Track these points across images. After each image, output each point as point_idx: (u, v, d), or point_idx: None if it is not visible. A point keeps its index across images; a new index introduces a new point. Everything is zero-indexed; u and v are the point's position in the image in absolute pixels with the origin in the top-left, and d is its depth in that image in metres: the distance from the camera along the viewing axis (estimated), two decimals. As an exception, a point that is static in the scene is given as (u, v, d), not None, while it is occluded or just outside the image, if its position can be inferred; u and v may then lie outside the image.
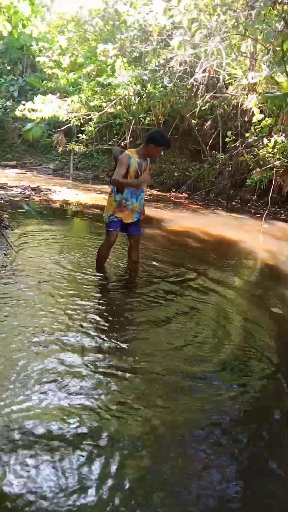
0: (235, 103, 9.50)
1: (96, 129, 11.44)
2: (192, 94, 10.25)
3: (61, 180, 11.73)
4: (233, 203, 9.67)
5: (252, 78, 8.80)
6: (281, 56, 8.11)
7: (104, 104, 10.90)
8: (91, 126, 11.23)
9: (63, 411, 1.89)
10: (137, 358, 2.42)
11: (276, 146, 8.13)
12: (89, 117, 11.29)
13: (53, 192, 8.80)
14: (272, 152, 8.19)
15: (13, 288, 3.22)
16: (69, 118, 11.07)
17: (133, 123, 11.54)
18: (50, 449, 1.67)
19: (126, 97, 10.45)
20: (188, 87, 9.93)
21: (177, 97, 9.98)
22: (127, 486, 1.54)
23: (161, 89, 9.73)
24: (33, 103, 10.72)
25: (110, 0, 9.48)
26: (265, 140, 8.38)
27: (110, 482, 1.55)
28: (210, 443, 1.82)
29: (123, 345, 2.55)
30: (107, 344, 2.54)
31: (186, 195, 10.43)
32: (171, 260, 4.55)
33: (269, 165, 8.25)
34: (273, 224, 7.61)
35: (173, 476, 1.61)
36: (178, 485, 1.58)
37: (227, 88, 9.74)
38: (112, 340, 2.59)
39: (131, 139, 11.93)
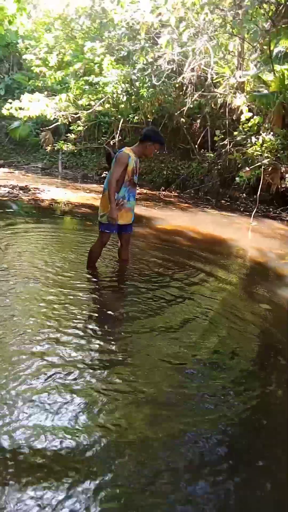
0: (223, 102, 9.55)
1: (84, 128, 11.39)
2: (181, 93, 10.27)
3: (50, 179, 11.64)
4: (222, 201, 9.72)
5: (240, 77, 8.85)
6: (268, 55, 8.19)
7: (92, 103, 10.85)
8: (79, 125, 11.17)
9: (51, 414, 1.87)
10: (128, 353, 2.41)
11: (264, 145, 8.19)
12: (77, 115, 11.22)
13: (42, 191, 8.72)
14: (260, 151, 8.25)
15: None
16: (57, 116, 10.99)
17: (121, 121, 11.52)
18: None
19: (114, 96, 10.42)
20: (177, 85, 9.94)
21: (166, 96, 9.99)
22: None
23: (150, 88, 9.72)
24: (20, 101, 10.62)
25: (97, -2, 9.45)
26: (253, 139, 8.44)
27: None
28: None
29: (114, 342, 2.54)
30: (96, 341, 2.53)
31: (176, 194, 10.45)
32: (161, 258, 4.54)
33: (257, 164, 8.32)
34: (262, 221, 7.66)
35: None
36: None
37: (215, 87, 9.78)
38: (102, 338, 2.57)
39: (119, 137, 11.90)
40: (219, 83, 9.76)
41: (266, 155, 8.23)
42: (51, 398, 1.95)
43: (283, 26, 7.84)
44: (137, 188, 3.78)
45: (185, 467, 1.66)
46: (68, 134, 11.51)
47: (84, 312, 2.95)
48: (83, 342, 2.52)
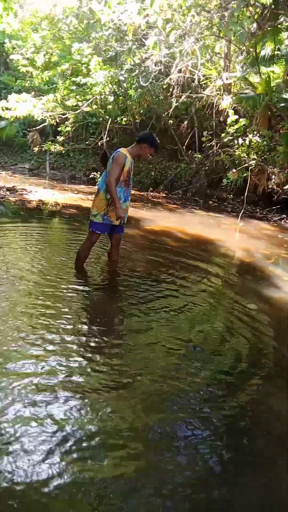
0: (211, 103, 9.61)
1: (72, 129, 11.34)
2: (168, 94, 10.31)
3: (37, 179, 11.56)
4: (210, 202, 9.78)
5: (227, 79, 8.93)
6: (255, 58, 8.27)
7: (79, 104, 10.81)
8: (67, 126, 11.12)
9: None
10: (122, 351, 2.42)
11: (251, 146, 8.28)
12: (65, 116, 11.18)
13: (29, 192, 8.66)
14: (247, 152, 8.33)
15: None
16: (44, 117, 10.93)
17: (109, 122, 11.50)
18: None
19: (102, 97, 10.41)
20: (164, 87, 9.98)
21: (153, 97, 10.01)
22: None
23: (138, 88, 9.73)
24: (7, 101, 10.52)
25: (84, -2, 9.41)
26: (240, 140, 8.52)
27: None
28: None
29: (107, 339, 2.54)
30: (85, 339, 2.52)
31: (164, 195, 10.48)
32: (149, 259, 4.56)
33: (244, 165, 8.39)
34: (249, 222, 7.74)
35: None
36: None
37: (202, 88, 9.84)
38: (93, 336, 2.57)
39: (107, 138, 11.89)
40: (206, 84, 9.83)
41: (252, 156, 8.31)
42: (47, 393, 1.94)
43: (268, 28, 7.94)
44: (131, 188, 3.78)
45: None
46: (56, 136, 11.45)
47: (72, 311, 2.94)
48: (69, 344, 2.51)
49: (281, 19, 7.71)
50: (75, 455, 1.66)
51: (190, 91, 9.74)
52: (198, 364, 2.47)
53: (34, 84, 12.41)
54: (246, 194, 8.39)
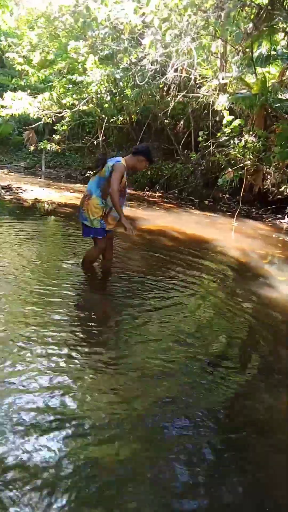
0: (207, 103, 9.63)
1: (68, 128, 11.31)
2: (164, 93, 10.32)
3: (33, 178, 11.51)
4: (206, 201, 9.80)
5: (223, 79, 8.95)
6: (250, 58, 8.30)
7: (76, 102, 10.78)
8: (63, 125, 11.08)
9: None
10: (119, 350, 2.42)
11: (247, 146, 8.30)
12: (61, 115, 11.14)
13: (25, 190, 8.63)
14: (243, 152, 8.36)
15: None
16: (40, 115, 10.88)
17: (105, 121, 11.48)
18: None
19: (98, 95, 10.38)
20: (160, 86, 9.98)
21: (150, 96, 10.00)
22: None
23: (134, 88, 9.72)
24: (3, 99, 10.47)
25: (81, -4, 9.37)
26: (236, 140, 8.54)
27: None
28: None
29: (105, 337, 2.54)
30: (86, 338, 2.53)
31: (160, 194, 10.48)
32: (145, 258, 4.56)
33: (240, 165, 8.42)
34: (245, 222, 7.77)
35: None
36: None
37: (199, 88, 9.86)
38: (90, 334, 2.58)
39: (103, 137, 11.87)
40: (202, 84, 9.84)
41: (248, 156, 8.34)
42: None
43: (264, 29, 7.96)
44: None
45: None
46: (52, 134, 11.40)
47: (70, 311, 2.94)
48: (66, 340, 2.51)
49: (277, 20, 7.74)
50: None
51: (186, 90, 9.75)
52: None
53: (30, 83, 12.35)
54: (241, 194, 8.42)
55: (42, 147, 11.43)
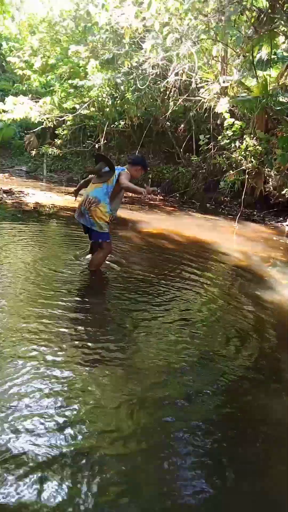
0: (208, 106, 9.64)
1: (69, 132, 11.34)
2: (165, 97, 10.34)
3: (35, 182, 11.54)
4: (207, 205, 9.80)
5: (224, 82, 8.96)
6: (251, 61, 8.32)
7: (77, 106, 10.82)
8: (65, 129, 11.12)
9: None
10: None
11: (248, 149, 8.31)
12: (62, 119, 11.18)
13: (26, 194, 8.64)
14: (244, 155, 8.36)
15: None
16: (42, 119, 10.92)
17: (106, 125, 11.51)
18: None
19: (99, 99, 10.42)
20: (161, 90, 10.00)
21: (151, 100, 10.02)
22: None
23: (135, 91, 9.75)
24: (4, 103, 10.52)
25: (82, 1, 9.43)
26: (237, 143, 8.55)
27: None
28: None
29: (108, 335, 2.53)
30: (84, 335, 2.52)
31: (161, 197, 10.49)
32: (146, 261, 4.55)
33: (241, 168, 8.42)
34: (246, 225, 7.76)
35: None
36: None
37: (199, 91, 9.87)
38: (88, 331, 2.56)
39: (105, 141, 11.89)
40: (203, 87, 9.86)
41: (249, 159, 8.34)
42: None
43: (265, 33, 7.98)
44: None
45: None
46: (54, 139, 11.44)
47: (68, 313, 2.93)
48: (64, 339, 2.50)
49: (277, 23, 7.75)
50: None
51: (187, 94, 9.77)
52: (192, 376, 2.46)
53: (31, 87, 12.40)
54: (243, 197, 8.41)
55: (44, 151, 11.46)
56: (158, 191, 4.00)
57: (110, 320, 3.09)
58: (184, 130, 11.00)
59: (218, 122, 9.60)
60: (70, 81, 11.08)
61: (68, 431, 1.82)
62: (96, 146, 12.15)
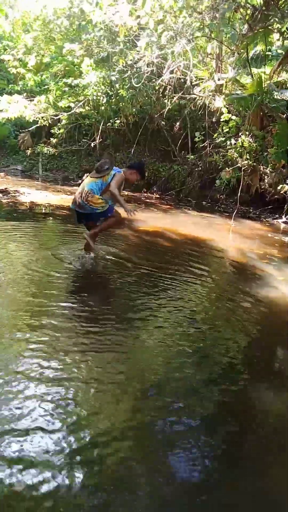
0: (203, 104, 9.64)
1: (65, 130, 11.30)
2: (160, 95, 10.33)
3: (30, 181, 11.50)
4: (203, 202, 9.80)
5: (219, 80, 8.97)
6: (246, 59, 8.33)
7: (72, 105, 10.78)
8: (60, 128, 11.08)
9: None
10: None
11: (244, 146, 8.32)
12: (57, 117, 11.14)
13: (22, 193, 8.61)
14: (240, 152, 8.37)
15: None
16: (37, 118, 10.88)
17: (102, 123, 11.49)
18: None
19: (94, 98, 10.38)
20: (156, 87, 9.99)
21: (146, 98, 10.01)
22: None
23: (130, 89, 9.73)
24: (-1, 103, 10.48)
25: (75, -1, 9.38)
26: (233, 141, 8.55)
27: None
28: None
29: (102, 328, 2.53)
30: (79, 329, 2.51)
31: (157, 195, 10.48)
32: (142, 259, 4.55)
33: (237, 165, 8.43)
34: (242, 222, 7.77)
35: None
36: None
37: (194, 89, 9.87)
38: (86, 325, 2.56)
39: (100, 139, 11.87)
40: (198, 85, 9.86)
41: (245, 156, 8.35)
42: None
43: (259, 30, 7.99)
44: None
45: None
46: (49, 137, 11.40)
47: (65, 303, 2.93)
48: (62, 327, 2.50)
49: (272, 21, 7.76)
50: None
51: (182, 92, 9.76)
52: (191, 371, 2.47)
53: (26, 87, 12.34)
54: (238, 194, 8.42)
55: (39, 150, 11.42)
56: (138, 210, 4.13)
57: (107, 315, 3.09)
58: (180, 128, 10.99)
59: (214, 120, 9.60)
60: (64, 80, 11.03)
61: (65, 427, 1.82)
62: (92, 144, 12.12)
